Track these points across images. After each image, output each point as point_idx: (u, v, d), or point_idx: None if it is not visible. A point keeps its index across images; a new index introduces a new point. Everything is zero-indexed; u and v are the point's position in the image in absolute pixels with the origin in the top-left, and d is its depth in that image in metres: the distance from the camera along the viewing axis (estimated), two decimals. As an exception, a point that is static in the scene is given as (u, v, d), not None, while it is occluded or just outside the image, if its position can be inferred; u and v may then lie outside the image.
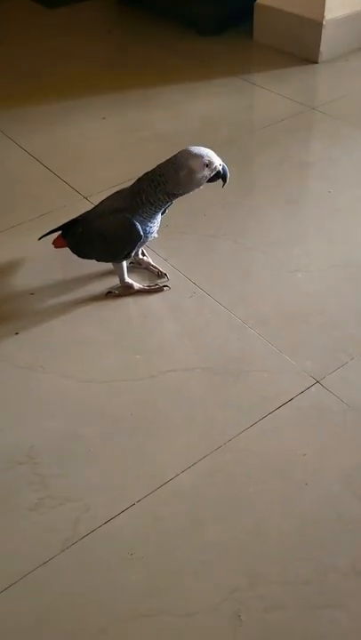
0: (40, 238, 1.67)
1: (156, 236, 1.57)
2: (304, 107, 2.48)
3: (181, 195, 1.45)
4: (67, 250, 1.65)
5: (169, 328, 1.52)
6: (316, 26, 2.77)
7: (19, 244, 1.79)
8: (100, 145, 2.32)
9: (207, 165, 1.40)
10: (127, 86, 2.73)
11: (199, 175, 1.40)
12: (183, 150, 1.42)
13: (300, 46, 2.88)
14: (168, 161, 1.42)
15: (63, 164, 2.17)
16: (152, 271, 1.66)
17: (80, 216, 1.60)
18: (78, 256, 1.61)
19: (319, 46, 2.81)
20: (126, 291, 1.59)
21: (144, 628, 1.00)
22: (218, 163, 1.42)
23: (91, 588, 1.05)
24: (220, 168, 1.43)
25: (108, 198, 1.56)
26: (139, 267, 1.68)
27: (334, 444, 1.25)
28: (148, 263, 1.67)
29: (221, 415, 1.31)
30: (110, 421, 1.31)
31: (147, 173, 1.45)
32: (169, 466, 1.21)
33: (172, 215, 1.65)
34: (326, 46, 2.81)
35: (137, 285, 1.59)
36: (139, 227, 1.45)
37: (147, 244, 1.65)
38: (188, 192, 1.45)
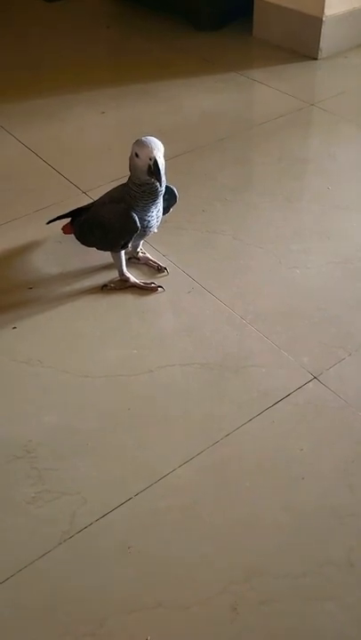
0: (48, 222, 1.69)
1: (156, 231, 1.58)
2: (303, 103, 2.48)
3: (138, 184, 1.43)
4: (64, 243, 1.66)
5: (167, 323, 1.52)
6: (315, 22, 2.77)
7: (17, 238, 1.79)
8: (99, 139, 2.32)
9: (137, 155, 1.38)
10: (126, 81, 2.72)
11: (134, 163, 1.40)
12: None
13: (299, 42, 2.87)
14: None
15: (62, 158, 2.17)
16: (151, 266, 1.66)
17: (87, 205, 1.62)
18: (82, 243, 1.63)
19: (319, 43, 2.81)
20: (122, 284, 1.59)
21: (141, 621, 1.00)
22: (147, 156, 1.36)
23: (88, 581, 1.05)
24: (151, 162, 1.37)
25: (112, 189, 1.57)
26: (137, 262, 1.68)
27: (331, 439, 1.25)
28: (147, 258, 1.67)
29: (219, 410, 1.31)
30: (108, 416, 1.31)
31: None
32: (166, 460, 1.22)
33: (171, 211, 1.65)
34: (326, 43, 2.81)
35: (133, 279, 1.60)
36: (135, 217, 1.46)
37: (145, 239, 1.66)
38: (139, 181, 1.42)
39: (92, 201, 1.66)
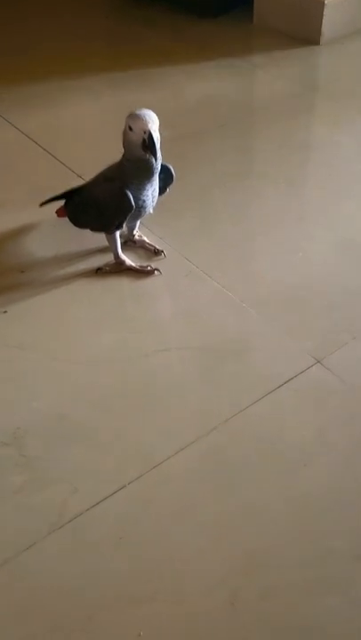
0: (41, 205, 1.63)
1: (151, 212, 1.52)
2: (305, 88, 2.42)
3: (133, 161, 1.37)
4: (59, 227, 1.60)
5: (163, 307, 1.46)
6: (317, 7, 2.70)
7: (10, 222, 1.73)
8: (96, 124, 2.26)
9: (130, 128, 1.31)
10: (123, 68, 2.66)
11: (127, 137, 1.34)
12: None
13: (301, 28, 2.81)
14: None
15: (57, 144, 2.11)
16: (148, 249, 1.60)
17: (80, 186, 1.56)
18: (75, 225, 1.56)
19: (321, 27, 2.74)
20: (117, 267, 1.53)
21: (133, 615, 0.94)
22: (141, 129, 1.29)
23: (77, 574, 0.99)
24: (145, 136, 1.30)
25: (106, 168, 1.51)
26: (133, 245, 1.62)
27: (335, 425, 1.19)
28: (143, 241, 1.61)
29: (217, 396, 1.25)
30: (100, 402, 1.25)
31: None
32: (161, 447, 1.16)
33: (168, 193, 1.59)
34: (328, 27, 2.74)
35: (128, 262, 1.54)
36: (130, 196, 1.40)
37: (141, 221, 1.60)
38: (133, 157, 1.36)
39: (84, 182, 1.60)
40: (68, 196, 1.58)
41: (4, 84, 2.53)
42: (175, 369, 1.31)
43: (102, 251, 1.61)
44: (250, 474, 1.12)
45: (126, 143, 1.36)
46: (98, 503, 1.07)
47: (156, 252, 1.59)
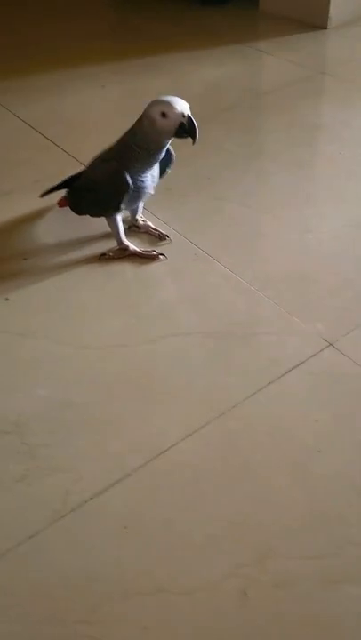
0: (41, 196, 1.59)
1: (152, 192, 1.47)
2: (313, 71, 2.36)
3: (153, 149, 1.34)
4: (62, 214, 1.56)
5: (169, 292, 1.42)
6: (324, -10, 2.65)
7: (14, 209, 1.69)
8: (99, 112, 2.22)
9: (164, 115, 1.27)
10: (128, 56, 2.63)
11: (159, 125, 1.29)
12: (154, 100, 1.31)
13: (308, 12, 2.76)
14: (144, 111, 1.33)
15: (60, 132, 2.07)
16: (152, 234, 1.55)
17: (79, 172, 1.53)
18: (75, 212, 1.53)
19: (328, 12, 2.69)
20: (121, 253, 1.49)
21: (139, 608, 0.89)
22: (179, 113, 1.27)
23: (81, 564, 0.95)
24: (185, 120, 1.27)
25: (103, 151, 1.47)
26: (138, 230, 1.58)
27: (349, 409, 1.14)
28: (148, 226, 1.57)
29: (225, 380, 1.20)
30: (105, 388, 1.20)
31: (135, 123, 1.36)
32: (168, 433, 1.11)
33: (173, 178, 1.54)
34: (336, 11, 2.69)
35: (132, 247, 1.49)
36: (127, 175, 1.36)
37: (144, 204, 1.56)
38: (156, 145, 1.34)
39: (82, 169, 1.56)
40: (68, 184, 1.54)
41: (6, 74, 2.51)
42: (182, 354, 1.26)
43: (106, 237, 1.56)
44: (261, 460, 1.07)
45: (149, 131, 1.31)
46: (102, 491, 1.03)
47: (161, 237, 1.54)
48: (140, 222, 1.57)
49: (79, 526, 0.99)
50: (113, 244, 1.53)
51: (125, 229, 1.53)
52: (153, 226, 1.57)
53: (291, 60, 2.47)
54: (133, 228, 1.57)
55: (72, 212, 1.56)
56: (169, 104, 1.27)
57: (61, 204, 1.59)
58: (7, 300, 1.41)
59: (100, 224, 1.53)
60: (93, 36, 2.88)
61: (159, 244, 1.54)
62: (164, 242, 1.54)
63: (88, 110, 2.23)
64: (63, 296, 1.42)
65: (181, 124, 1.28)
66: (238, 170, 1.81)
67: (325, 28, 2.70)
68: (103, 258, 1.49)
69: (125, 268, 1.48)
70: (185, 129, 1.28)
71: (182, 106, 1.28)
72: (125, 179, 1.36)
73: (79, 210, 1.52)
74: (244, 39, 2.69)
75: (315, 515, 0.99)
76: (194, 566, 0.94)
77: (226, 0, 3.07)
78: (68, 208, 1.57)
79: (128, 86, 2.37)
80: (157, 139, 1.32)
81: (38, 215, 1.67)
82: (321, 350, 1.24)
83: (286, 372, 1.20)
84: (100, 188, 1.40)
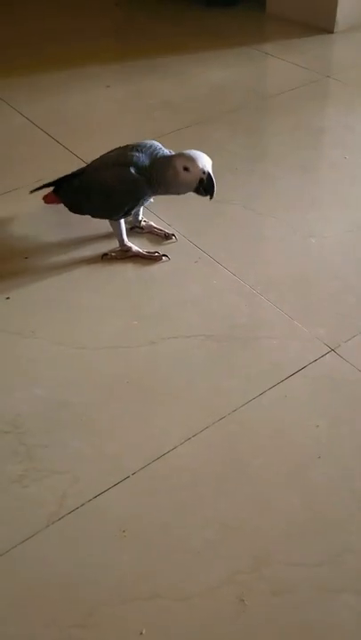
0: (31, 192, 1.58)
1: (152, 200, 1.48)
2: (319, 75, 2.35)
3: (170, 193, 1.40)
4: (64, 213, 1.55)
5: (171, 294, 1.41)
6: (332, -6, 2.65)
7: (15, 208, 1.69)
8: (104, 112, 2.21)
9: (186, 169, 1.32)
10: (133, 56, 2.62)
11: (181, 178, 1.33)
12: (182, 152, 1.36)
13: (315, 16, 2.75)
14: (170, 156, 1.38)
15: (64, 131, 2.07)
16: (157, 234, 1.55)
17: (77, 170, 1.50)
18: (72, 211, 1.51)
19: (335, 15, 2.68)
20: (123, 254, 1.48)
21: (135, 613, 0.89)
22: (201, 170, 1.31)
23: (76, 568, 0.94)
24: (205, 177, 1.32)
25: (109, 152, 1.47)
26: (141, 231, 1.57)
27: (350, 415, 1.13)
28: (151, 226, 1.56)
29: (226, 384, 1.19)
30: (104, 390, 1.19)
31: (161, 157, 1.39)
32: (167, 437, 1.10)
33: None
34: (343, 15, 2.68)
35: (135, 249, 1.48)
36: (144, 185, 1.37)
37: (145, 207, 1.55)
38: (174, 192, 1.39)
39: (80, 167, 1.54)
40: (59, 182, 1.52)
41: (12, 72, 2.50)
42: (183, 356, 1.25)
43: (108, 237, 1.56)
44: (260, 465, 1.06)
45: (173, 181, 1.35)
46: (100, 494, 1.02)
47: (167, 237, 1.53)
48: (143, 223, 1.56)
49: (75, 529, 0.98)
50: (115, 244, 1.52)
51: (128, 230, 1.52)
52: (156, 226, 1.56)
53: (297, 63, 2.46)
54: (136, 229, 1.56)
55: (72, 211, 1.54)
56: (192, 159, 1.31)
57: (48, 200, 1.56)
58: (8, 298, 1.40)
59: (102, 224, 1.52)
60: (99, 35, 2.87)
61: (164, 243, 1.53)
62: (170, 241, 1.53)
63: (92, 110, 2.22)
64: (64, 296, 1.41)
65: (201, 180, 1.32)
66: (242, 172, 1.80)
67: (332, 32, 2.70)
68: (105, 258, 1.48)
69: (127, 269, 1.47)
70: (204, 185, 1.33)
71: (204, 162, 1.32)
72: (143, 188, 1.38)
73: (78, 210, 1.51)
74: (250, 41, 2.68)
75: (313, 521, 0.98)
76: (191, 572, 0.93)
77: (232, 2, 3.06)
78: (56, 206, 1.55)
79: (133, 87, 2.36)
80: (177, 189, 1.38)
81: (40, 214, 1.66)
82: (322, 355, 1.23)
83: (287, 377, 1.19)
84: (111, 191, 1.39)
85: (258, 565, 0.93)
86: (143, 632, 0.86)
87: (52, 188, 1.54)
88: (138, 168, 1.36)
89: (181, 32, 2.84)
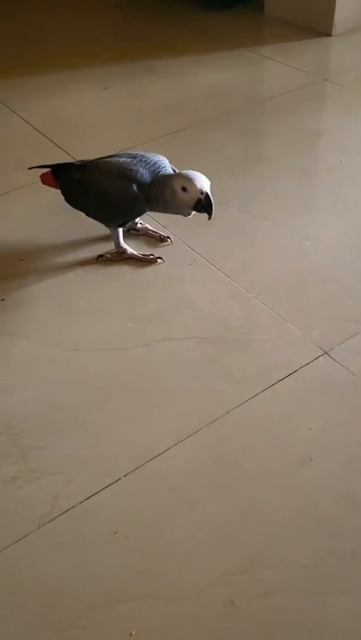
0: (30, 168, 1.56)
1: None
2: (316, 78, 2.36)
3: (169, 212, 1.41)
4: (60, 214, 1.55)
5: (165, 296, 1.41)
6: (330, -3, 2.65)
7: (12, 209, 1.70)
8: (101, 114, 2.22)
9: (184, 189, 1.32)
10: (132, 58, 2.62)
11: (179, 197, 1.34)
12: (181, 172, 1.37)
13: (313, 19, 2.75)
14: (168, 176, 1.38)
15: (62, 133, 2.07)
16: (152, 236, 1.55)
17: (79, 162, 1.49)
18: (67, 201, 1.50)
19: (333, 19, 2.69)
20: (119, 256, 1.49)
21: (126, 614, 0.89)
22: (199, 190, 1.32)
23: (68, 569, 0.94)
24: (203, 197, 1.32)
25: (116, 156, 1.45)
26: (137, 234, 1.57)
27: (342, 419, 1.13)
28: (147, 229, 1.57)
29: (220, 386, 1.20)
30: (98, 391, 1.20)
31: (161, 176, 1.39)
32: (160, 438, 1.11)
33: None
34: (340, 18, 2.69)
35: (130, 251, 1.49)
36: (143, 203, 1.38)
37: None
38: (173, 212, 1.40)
39: (82, 160, 1.53)
40: (59, 167, 1.50)
41: (9, 74, 2.51)
42: (176, 359, 1.26)
43: (104, 239, 1.56)
44: (252, 467, 1.06)
45: (172, 201, 1.35)
46: (92, 495, 1.03)
47: (162, 239, 1.54)
48: (139, 225, 1.57)
49: (68, 530, 0.99)
50: (111, 245, 1.53)
51: (124, 232, 1.53)
52: (152, 228, 1.57)
53: (294, 65, 2.47)
54: (132, 231, 1.57)
55: (71, 213, 1.54)
56: (190, 180, 1.32)
57: (45, 180, 1.54)
58: (3, 300, 1.41)
59: (98, 226, 1.52)
60: (98, 36, 2.88)
61: (160, 245, 1.54)
62: (165, 243, 1.54)
63: (90, 112, 2.23)
64: (59, 297, 1.41)
65: (199, 200, 1.33)
66: (238, 175, 1.81)
67: (330, 35, 2.70)
68: (101, 259, 1.49)
69: (123, 271, 1.48)
70: (202, 205, 1.33)
71: (202, 183, 1.32)
72: (142, 206, 1.39)
73: (75, 204, 1.50)
74: (248, 43, 2.69)
75: (304, 523, 0.99)
76: (182, 573, 0.93)
77: (230, 4, 3.07)
78: (67, 206, 1.54)
79: (131, 89, 2.36)
80: (176, 209, 1.38)
81: (36, 216, 1.67)
82: (316, 358, 1.24)
83: (281, 380, 1.20)
84: (113, 204, 1.40)
85: (247, 567, 0.93)
86: (133, 633, 0.87)
87: (50, 170, 1.52)
88: (140, 185, 1.37)
89: (180, 34, 2.84)
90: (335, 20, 2.69)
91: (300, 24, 2.80)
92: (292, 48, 2.63)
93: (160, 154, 1.47)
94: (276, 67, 2.50)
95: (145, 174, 1.37)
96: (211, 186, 1.35)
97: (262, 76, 2.51)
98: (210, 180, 1.36)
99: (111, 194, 1.38)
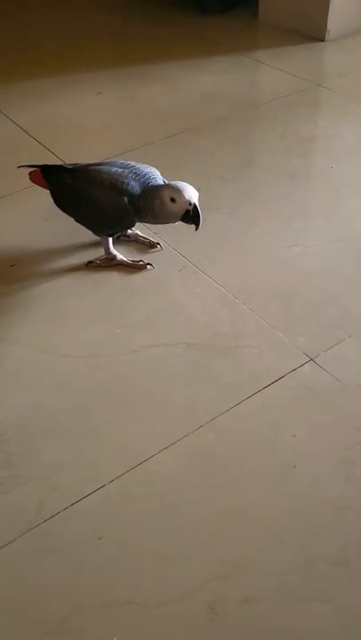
0: (20, 166, 1.55)
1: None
2: (309, 83, 2.37)
3: (158, 223, 1.43)
4: (50, 221, 1.56)
5: (154, 302, 1.42)
6: (323, 3, 2.66)
7: (2, 215, 1.70)
8: (94, 119, 2.22)
9: (173, 200, 1.33)
10: (125, 63, 2.63)
11: (167, 208, 1.35)
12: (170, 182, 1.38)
13: (306, 24, 2.77)
14: (157, 187, 1.38)
15: (54, 138, 2.08)
16: (142, 242, 1.56)
17: (71, 165, 1.48)
18: (56, 204, 1.49)
19: (326, 24, 2.70)
20: (108, 262, 1.50)
21: (109, 619, 0.90)
22: (187, 201, 1.32)
23: (52, 575, 0.95)
24: (191, 208, 1.33)
25: (107, 165, 1.44)
26: (127, 239, 1.58)
27: (327, 425, 1.14)
28: (137, 235, 1.57)
29: (206, 392, 1.21)
30: (85, 397, 1.21)
31: (150, 187, 1.39)
32: (146, 444, 1.11)
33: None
34: (334, 24, 2.70)
35: (120, 257, 1.50)
36: (133, 216, 1.39)
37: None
38: (162, 222, 1.42)
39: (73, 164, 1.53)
40: (51, 168, 1.49)
41: (1, 78, 2.51)
42: (163, 365, 1.27)
43: (94, 245, 1.57)
44: (237, 474, 1.07)
45: (160, 212, 1.36)
46: (77, 501, 1.03)
47: (152, 245, 1.55)
48: (129, 232, 1.58)
49: (52, 536, 1.00)
50: (101, 252, 1.53)
51: (114, 239, 1.54)
52: (142, 234, 1.57)
53: (287, 70, 2.48)
54: (122, 237, 1.58)
55: (62, 219, 1.54)
56: (179, 191, 1.33)
57: (34, 179, 1.52)
58: (-7, 305, 1.42)
59: (89, 232, 1.53)
60: (92, 41, 2.88)
61: (149, 251, 1.55)
62: (155, 249, 1.55)
63: (83, 117, 2.23)
64: (49, 303, 1.42)
65: (187, 211, 1.33)
66: (229, 180, 1.82)
67: (323, 40, 2.72)
68: (90, 265, 1.50)
69: (112, 277, 1.49)
70: (190, 216, 1.34)
71: (190, 194, 1.33)
72: (132, 218, 1.40)
73: (64, 208, 1.49)
74: (242, 48, 2.70)
75: (287, 530, 1.00)
76: (164, 579, 0.94)
77: (225, 9, 3.08)
78: (48, 207, 1.53)
79: (125, 93, 2.37)
80: (165, 219, 1.39)
81: (27, 222, 1.68)
82: (302, 365, 1.25)
83: (266, 386, 1.21)
84: (103, 215, 1.41)
85: (230, 573, 0.94)
86: (115, 639, 0.88)
87: (40, 169, 1.50)
88: (130, 197, 1.38)
89: (174, 38, 2.85)
90: (328, 26, 2.70)
91: (293, 29, 2.81)
92: (286, 53, 2.64)
93: (154, 158, 1.48)
94: (269, 72, 2.51)
95: (135, 187, 1.38)
96: (202, 191, 1.36)
97: (256, 80, 2.52)
98: (202, 184, 1.37)
99: (102, 205, 1.39)
